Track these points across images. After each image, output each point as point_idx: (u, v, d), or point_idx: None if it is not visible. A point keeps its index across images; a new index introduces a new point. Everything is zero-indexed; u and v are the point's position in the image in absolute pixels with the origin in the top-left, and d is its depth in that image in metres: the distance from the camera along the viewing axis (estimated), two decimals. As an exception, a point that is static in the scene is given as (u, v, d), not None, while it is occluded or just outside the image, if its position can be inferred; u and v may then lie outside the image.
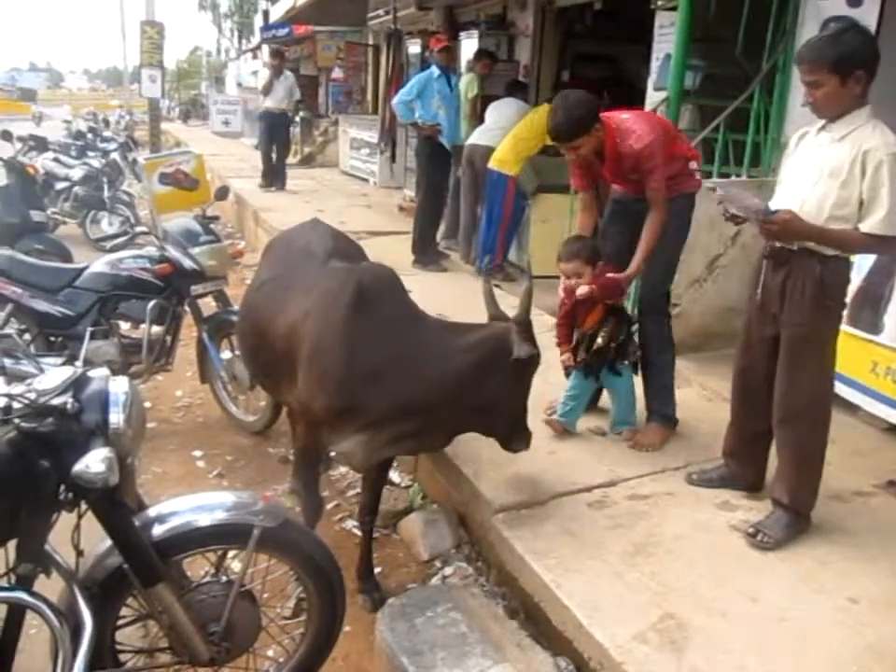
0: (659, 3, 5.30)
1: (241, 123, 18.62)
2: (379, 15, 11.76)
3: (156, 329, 3.91)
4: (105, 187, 8.20)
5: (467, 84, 7.01)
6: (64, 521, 1.76)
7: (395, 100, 6.68)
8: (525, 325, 2.56)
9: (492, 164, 6.00)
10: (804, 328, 2.54)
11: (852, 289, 3.17)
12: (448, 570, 2.86)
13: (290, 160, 11.43)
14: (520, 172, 5.93)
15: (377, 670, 2.40)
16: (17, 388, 1.68)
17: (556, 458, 3.16)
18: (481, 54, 7.16)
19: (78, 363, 1.86)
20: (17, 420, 1.62)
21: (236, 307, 3.79)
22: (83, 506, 1.73)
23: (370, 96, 14.19)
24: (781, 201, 2.57)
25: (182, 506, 1.94)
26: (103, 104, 25.66)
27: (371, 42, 13.88)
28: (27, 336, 3.84)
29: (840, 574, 2.47)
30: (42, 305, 3.85)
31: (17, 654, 1.73)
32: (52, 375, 1.71)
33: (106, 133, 11.43)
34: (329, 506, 3.30)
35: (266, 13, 21.65)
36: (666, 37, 5.19)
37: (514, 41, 8.28)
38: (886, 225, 2.37)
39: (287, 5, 14.60)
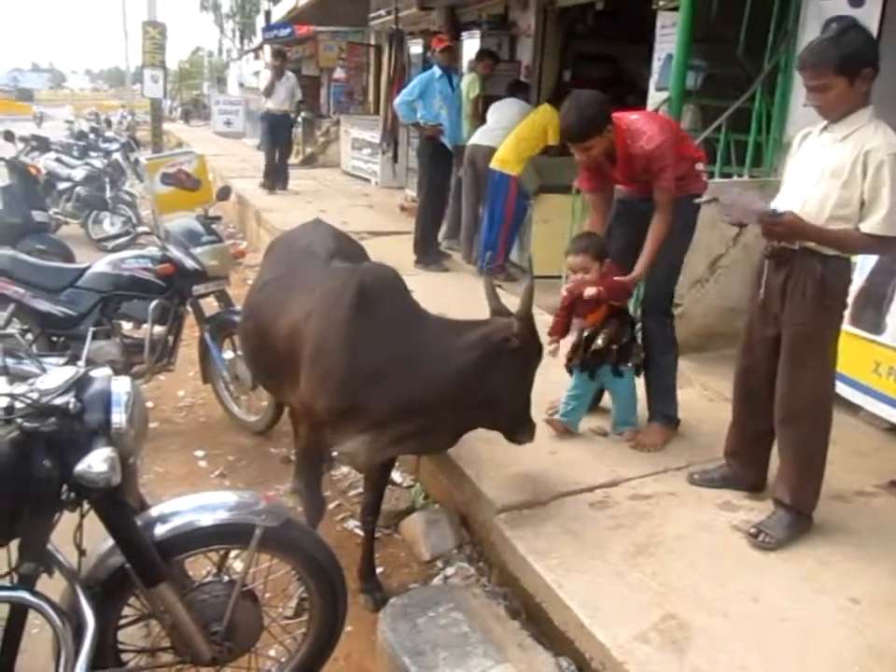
0: (661, 3, 5.30)
1: (243, 123, 18.65)
2: (381, 15, 11.74)
3: (158, 328, 3.91)
4: (108, 187, 8.21)
5: (468, 84, 7.01)
6: (67, 521, 1.76)
7: (397, 100, 6.68)
8: (526, 320, 2.57)
9: (494, 164, 6.01)
10: (804, 327, 2.54)
11: (855, 289, 3.17)
12: (450, 570, 2.86)
13: (292, 160, 11.44)
14: (522, 172, 5.93)
15: (379, 670, 2.40)
16: (19, 388, 1.68)
17: (558, 458, 3.16)
18: (482, 54, 7.17)
19: (81, 363, 1.86)
20: (19, 420, 1.62)
21: (238, 307, 3.80)
22: (85, 506, 1.74)
23: (371, 96, 14.17)
24: (784, 200, 2.57)
25: (184, 506, 1.94)
26: (104, 104, 25.65)
27: (372, 42, 13.87)
28: (29, 336, 3.84)
29: (842, 574, 2.46)
30: (44, 305, 3.85)
31: (19, 654, 1.74)
32: (54, 375, 1.72)
33: (108, 134, 11.44)
34: (330, 506, 3.30)
35: (268, 13, 21.64)
36: (668, 37, 5.19)
37: (516, 41, 8.28)
38: (886, 225, 2.37)
39: (288, 5, 14.59)
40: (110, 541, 1.81)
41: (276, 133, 9.97)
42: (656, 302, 3.38)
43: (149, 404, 4.00)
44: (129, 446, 1.74)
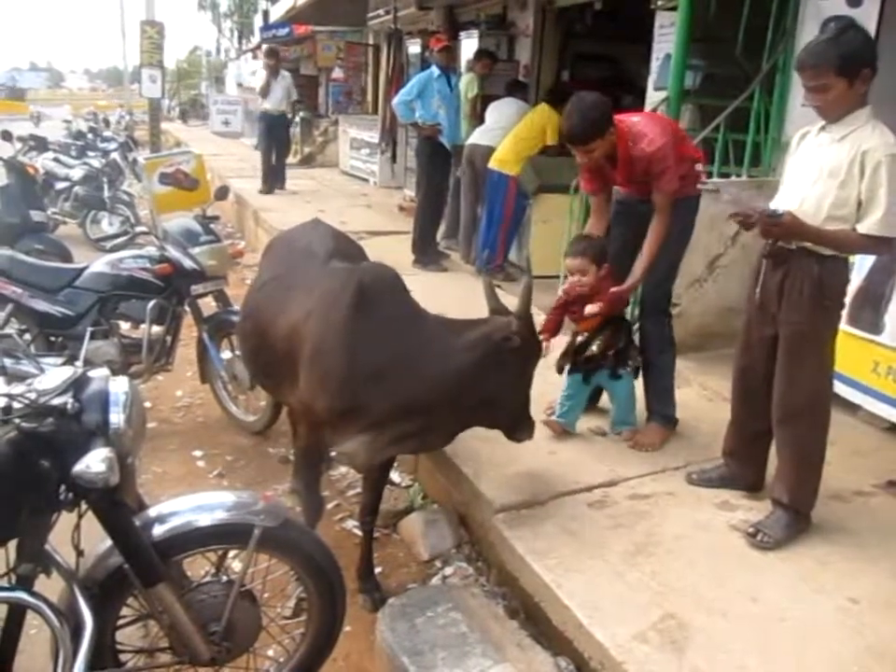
0: (659, 3, 5.30)
1: (241, 123, 18.60)
2: (379, 15, 11.74)
3: (156, 328, 3.91)
4: (106, 187, 8.19)
5: (467, 84, 7.00)
6: (65, 521, 1.76)
7: (395, 100, 6.68)
8: (525, 319, 2.57)
9: (492, 164, 6.00)
10: (802, 326, 2.54)
11: (853, 289, 3.18)
12: (448, 570, 2.86)
13: (290, 160, 11.42)
14: (520, 171, 5.93)
15: (377, 670, 2.40)
16: (17, 388, 1.68)
17: (557, 458, 3.16)
18: (481, 54, 7.16)
19: (79, 363, 1.86)
20: (17, 420, 1.62)
21: (236, 307, 3.80)
22: (83, 506, 1.73)
23: (370, 96, 14.17)
24: (782, 199, 2.58)
25: (182, 506, 1.94)
26: (102, 104, 25.62)
27: (371, 42, 13.87)
28: (27, 336, 3.83)
29: (840, 574, 2.47)
30: (42, 305, 3.85)
31: (17, 654, 1.74)
32: (52, 375, 1.71)
33: (107, 133, 11.41)
34: (329, 506, 3.30)
35: (266, 13, 21.64)
36: (666, 37, 5.20)
37: (514, 41, 8.28)
38: (883, 226, 2.36)
39: (286, 5, 14.60)
40: (108, 542, 1.81)
41: (274, 133, 9.94)
42: (654, 302, 3.38)
43: (147, 404, 4.00)
44: (127, 446, 1.74)
